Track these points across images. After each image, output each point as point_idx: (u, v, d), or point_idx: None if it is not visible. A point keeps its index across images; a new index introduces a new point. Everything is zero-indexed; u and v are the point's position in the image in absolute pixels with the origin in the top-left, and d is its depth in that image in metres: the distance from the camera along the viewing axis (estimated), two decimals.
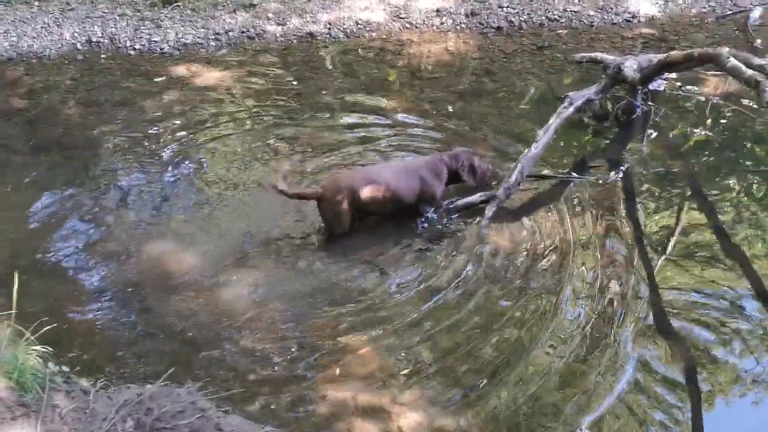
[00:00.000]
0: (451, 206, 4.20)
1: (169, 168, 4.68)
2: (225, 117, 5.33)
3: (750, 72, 3.79)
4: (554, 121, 4.55)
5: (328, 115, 5.29)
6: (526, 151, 4.35)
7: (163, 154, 4.83)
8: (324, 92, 5.60)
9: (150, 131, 5.11)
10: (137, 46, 6.34)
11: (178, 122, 5.23)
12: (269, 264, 3.86)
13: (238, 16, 6.67)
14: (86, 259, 3.94)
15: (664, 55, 4.72)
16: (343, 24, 6.60)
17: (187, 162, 4.77)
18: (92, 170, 4.73)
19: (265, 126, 5.18)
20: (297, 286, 3.69)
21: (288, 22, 6.60)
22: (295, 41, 6.44)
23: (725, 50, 4.07)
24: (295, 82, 5.80)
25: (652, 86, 5.44)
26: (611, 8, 6.93)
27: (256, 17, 6.67)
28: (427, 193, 4.15)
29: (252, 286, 3.69)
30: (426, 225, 4.12)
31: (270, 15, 6.69)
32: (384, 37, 6.50)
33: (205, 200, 4.39)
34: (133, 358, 3.30)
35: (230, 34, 6.48)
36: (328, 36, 6.51)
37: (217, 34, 6.46)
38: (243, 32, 6.50)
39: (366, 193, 4.03)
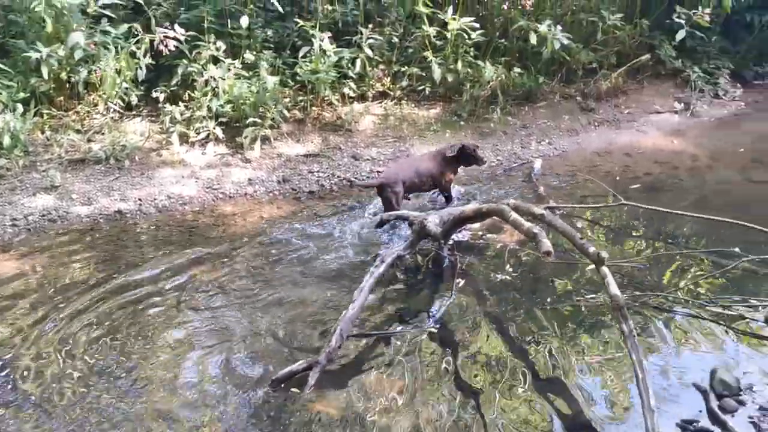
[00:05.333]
0: (273, 378, 4.08)
1: None
2: (23, 309, 4.89)
3: (528, 225, 4.21)
4: (368, 281, 4.68)
5: (135, 295, 5.04)
6: (344, 313, 4.40)
7: None
8: (133, 271, 5.37)
9: None
10: None
11: None
12: None
13: (38, 199, 6.38)
14: None
15: (460, 210, 5.15)
16: (155, 199, 6.53)
17: None
18: None
19: (69, 314, 4.80)
20: None
21: (95, 202, 6.41)
22: (102, 221, 6.22)
23: (507, 206, 4.51)
24: (101, 264, 5.51)
25: (458, 237, 5.89)
26: None
27: (60, 199, 6.42)
28: (440, 175, 6.27)
29: None
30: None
31: (74, 196, 6.47)
32: (197, 209, 6.49)
33: None
34: None
35: (30, 218, 6.14)
36: (138, 212, 6.38)
37: (15, 219, 6.10)
38: (44, 216, 6.19)
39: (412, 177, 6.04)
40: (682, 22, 9.22)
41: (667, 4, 10.08)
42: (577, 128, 9.07)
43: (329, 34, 7.93)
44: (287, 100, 8.12)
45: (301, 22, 7.93)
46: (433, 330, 4.63)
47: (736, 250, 5.49)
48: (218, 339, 4.51)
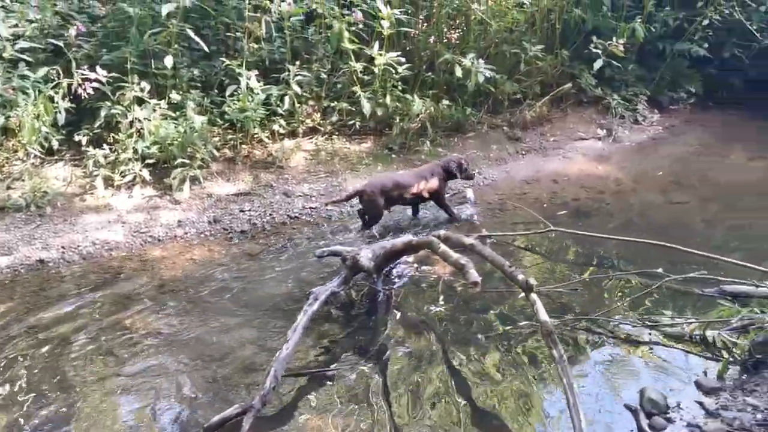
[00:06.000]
0: (205, 425, 3.96)
1: None
2: None
3: (456, 256, 4.25)
4: (302, 319, 4.63)
5: (56, 342, 4.81)
6: (278, 353, 4.32)
7: None
8: (54, 319, 5.14)
9: None
10: None
11: None
12: None
13: None
14: None
15: (390, 244, 5.16)
16: (78, 246, 6.30)
17: None
18: None
19: None
20: None
21: (15, 252, 6.14)
22: (23, 270, 5.96)
23: (436, 238, 4.56)
24: (21, 314, 5.25)
25: (395, 270, 5.90)
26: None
27: None
28: (432, 189, 6.91)
29: None
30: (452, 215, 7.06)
31: None
32: (124, 255, 6.30)
33: None
34: None
35: None
36: (62, 260, 6.14)
37: None
38: None
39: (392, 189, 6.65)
40: (599, 51, 9.61)
41: (584, 35, 10.50)
42: (505, 157, 9.27)
43: (256, 72, 7.92)
44: (216, 139, 8.02)
45: (228, 61, 7.89)
46: (369, 366, 4.59)
47: (660, 270, 5.68)
48: (146, 385, 4.35)
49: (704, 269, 5.57)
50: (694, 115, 11.87)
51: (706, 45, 11.30)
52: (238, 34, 8.25)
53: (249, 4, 8.05)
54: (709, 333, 4.74)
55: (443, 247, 4.38)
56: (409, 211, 7.30)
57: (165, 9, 7.13)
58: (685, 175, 8.86)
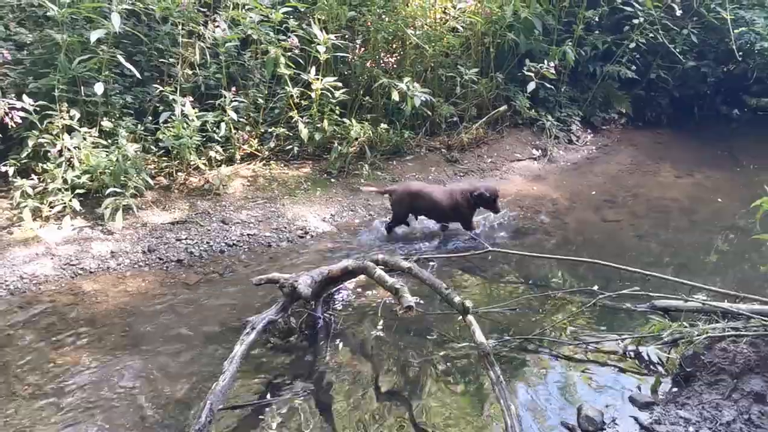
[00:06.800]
0: None
1: None
2: None
3: (391, 281, 4.25)
4: (239, 349, 4.53)
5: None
6: (214, 385, 4.21)
7: None
8: None
9: None
10: None
11: None
12: None
13: None
14: None
15: (327, 270, 5.12)
16: (5, 281, 6.03)
17: None
18: None
19: None
20: None
21: None
22: None
23: (372, 263, 4.55)
24: None
25: (338, 295, 5.85)
26: (285, 227, 7.46)
27: None
28: (459, 214, 7.25)
29: None
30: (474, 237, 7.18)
31: None
32: (54, 288, 6.06)
33: None
34: None
35: None
36: None
37: None
38: None
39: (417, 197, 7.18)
40: (532, 74, 9.84)
41: (518, 59, 10.75)
42: (444, 179, 9.36)
43: (191, 98, 7.81)
44: (152, 166, 7.86)
45: (161, 88, 7.76)
46: (308, 394, 4.53)
47: (596, 288, 5.81)
48: (74, 421, 4.18)
49: (636, 286, 5.72)
50: (625, 135, 12.26)
51: (633, 67, 11.74)
52: (172, 60, 8.13)
53: (182, 30, 7.96)
54: (642, 348, 4.87)
55: (379, 271, 4.37)
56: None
57: (94, 35, 6.97)
58: (618, 193, 9.13)
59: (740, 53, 11.70)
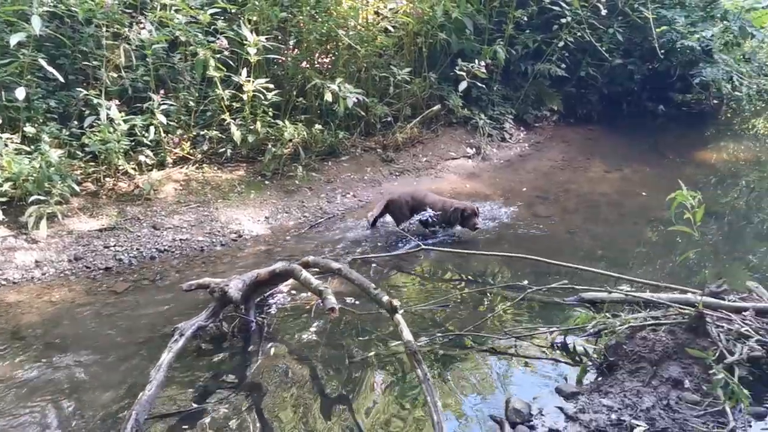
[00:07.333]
0: None
1: None
2: None
3: (316, 283, 4.25)
4: (166, 357, 4.44)
5: None
6: (140, 395, 4.12)
7: None
8: None
9: None
10: None
11: None
12: None
13: None
14: None
15: (255, 274, 5.08)
16: None
17: None
18: None
19: None
20: None
21: None
22: None
23: (298, 266, 4.53)
24: None
25: (272, 298, 5.80)
26: (218, 231, 7.36)
27: None
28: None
29: None
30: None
31: None
32: None
33: None
34: None
35: None
36: None
37: None
38: None
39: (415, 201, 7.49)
40: (464, 74, 9.97)
41: (450, 58, 10.87)
42: (379, 179, 9.40)
43: (117, 102, 7.62)
44: (78, 172, 7.63)
45: (86, 91, 7.55)
46: (240, 399, 4.48)
47: (525, 282, 5.93)
48: None
49: (567, 280, 5.86)
50: (557, 132, 12.56)
51: (563, 65, 12.04)
52: (97, 63, 7.91)
53: (107, 32, 7.76)
54: (569, 340, 4.99)
55: (305, 274, 4.36)
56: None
57: (14, 39, 6.73)
58: (550, 189, 9.34)
59: (663, 51, 12.11)
